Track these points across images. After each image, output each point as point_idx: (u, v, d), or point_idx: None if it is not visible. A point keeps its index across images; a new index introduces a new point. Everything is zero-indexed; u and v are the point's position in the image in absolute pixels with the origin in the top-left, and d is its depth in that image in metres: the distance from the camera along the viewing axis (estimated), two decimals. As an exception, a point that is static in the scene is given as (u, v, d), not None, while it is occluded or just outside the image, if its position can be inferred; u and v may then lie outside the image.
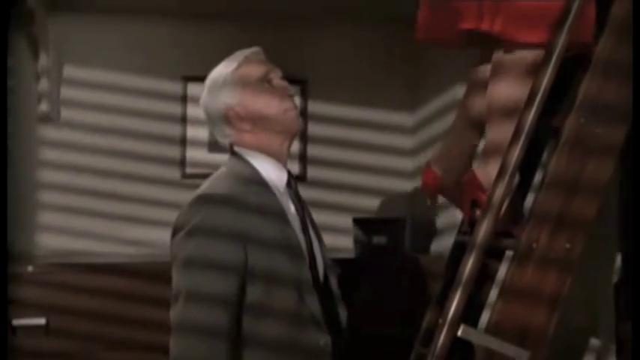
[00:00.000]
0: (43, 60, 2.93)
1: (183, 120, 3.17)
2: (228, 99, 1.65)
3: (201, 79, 3.05)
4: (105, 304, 2.57)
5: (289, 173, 1.70)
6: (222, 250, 1.50)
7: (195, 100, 3.12)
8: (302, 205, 1.71)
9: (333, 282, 1.73)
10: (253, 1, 3.00)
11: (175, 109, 3.18)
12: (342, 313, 1.71)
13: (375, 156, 3.31)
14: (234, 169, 1.65)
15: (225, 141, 1.71)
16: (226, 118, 1.66)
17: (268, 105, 1.64)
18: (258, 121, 1.64)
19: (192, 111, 3.16)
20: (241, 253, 1.50)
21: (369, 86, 3.31)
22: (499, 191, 1.48)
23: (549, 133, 1.73)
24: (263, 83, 1.66)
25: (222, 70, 1.69)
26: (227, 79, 1.66)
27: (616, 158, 1.57)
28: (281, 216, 1.60)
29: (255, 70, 1.67)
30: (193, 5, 3.06)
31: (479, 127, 1.85)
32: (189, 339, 1.47)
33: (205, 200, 1.55)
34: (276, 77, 1.68)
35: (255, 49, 1.72)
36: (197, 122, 3.17)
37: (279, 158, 1.67)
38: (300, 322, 1.54)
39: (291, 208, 1.66)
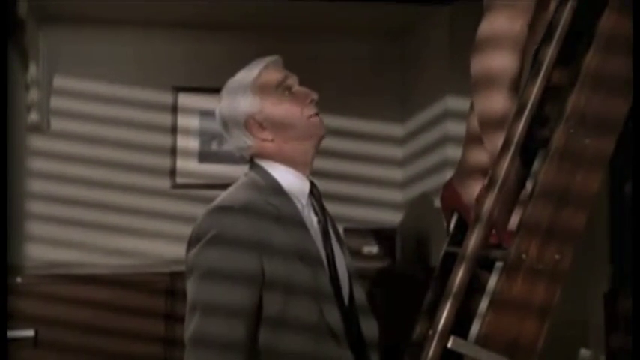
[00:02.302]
0: (33, 70, 2.92)
1: (174, 130, 3.17)
2: (249, 107, 1.60)
3: (191, 89, 3.15)
4: (94, 316, 2.55)
5: (312, 183, 1.65)
6: (240, 261, 1.46)
7: (186, 111, 3.17)
8: (325, 216, 1.67)
9: (360, 295, 1.67)
10: (244, 13, 3.00)
11: (166, 119, 3.17)
12: (370, 327, 1.65)
13: (365, 166, 3.32)
14: (254, 180, 1.60)
15: (244, 153, 1.66)
16: (246, 128, 1.61)
17: (290, 112, 1.60)
18: (280, 129, 1.60)
19: (183, 121, 3.17)
20: (259, 264, 1.46)
21: (360, 97, 3.32)
22: (488, 202, 1.48)
23: (539, 144, 1.74)
24: (283, 90, 1.61)
25: (242, 78, 1.64)
26: (247, 87, 1.61)
27: (605, 169, 1.58)
28: (300, 227, 1.56)
29: (274, 77, 1.62)
30: (183, 16, 3.06)
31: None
32: (207, 352, 1.43)
33: (223, 211, 1.51)
34: (295, 84, 1.64)
35: (274, 57, 1.67)
36: (188, 132, 3.17)
37: (302, 168, 1.63)
38: (319, 335, 1.50)
39: (312, 219, 1.62)
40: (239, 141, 1.64)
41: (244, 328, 1.45)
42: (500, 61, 1.65)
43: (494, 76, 1.66)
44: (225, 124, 1.66)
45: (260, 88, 1.62)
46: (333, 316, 1.52)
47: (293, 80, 1.65)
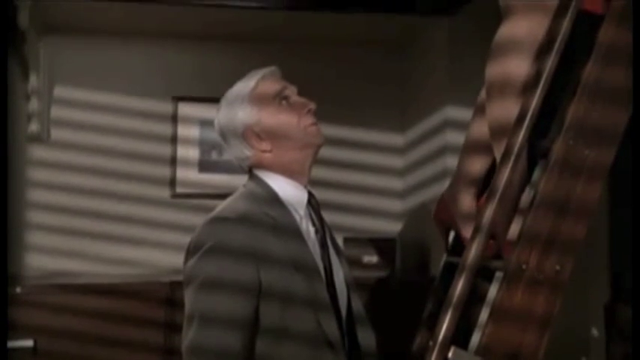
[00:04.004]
0: (34, 80, 2.92)
1: (174, 140, 3.17)
2: (247, 118, 1.61)
3: (191, 99, 3.15)
4: (94, 325, 2.54)
5: (310, 193, 1.66)
6: (237, 272, 1.47)
7: (186, 120, 3.17)
8: (322, 226, 1.67)
9: (357, 305, 1.68)
10: (243, 24, 3.01)
11: (166, 129, 3.17)
12: (367, 338, 1.66)
13: (365, 176, 3.32)
14: (252, 191, 1.61)
15: (243, 163, 1.67)
16: (244, 139, 1.62)
17: (288, 122, 1.61)
18: (277, 139, 1.61)
19: (183, 131, 3.17)
20: (256, 275, 1.47)
21: (360, 107, 3.32)
22: (489, 213, 1.48)
23: (539, 154, 1.74)
24: (281, 100, 1.62)
25: (240, 89, 1.65)
26: (245, 98, 1.62)
27: (605, 179, 1.58)
28: (298, 237, 1.57)
29: (272, 87, 1.63)
30: (183, 27, 3.07)
31: (481, 151, 1.83)
32: None
33: (221, 222, 1.52)
34: (293, 94, 1.65)
35: (271, 67, 1.68)
36: (188, 142, 3.17)
37: (300, 178, 1.63)
38: (316, 346, 1.50)
39: (310, 229, 1.63)
40: (238, 151, 1.65)
41: (241, 338, 1.45)
42: (518, 68, 1.60)
43: (511, 82, 1.61)
44: (224, 134, 1.66)
45: (257, 99, 1.62)
46: (330, 327, 1.53)
47: (291, 90, 1.66)
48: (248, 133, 1.62)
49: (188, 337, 1.46)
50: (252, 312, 1.47)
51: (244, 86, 1.65)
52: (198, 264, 1.49)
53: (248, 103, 1.62)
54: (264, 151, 1.62)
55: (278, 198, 1.60)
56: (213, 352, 1.43)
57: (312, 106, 1.64)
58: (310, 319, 1.50)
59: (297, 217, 1.61)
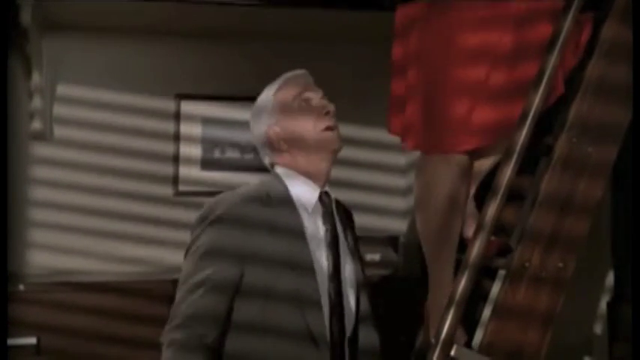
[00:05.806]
0: (36, 78, 2.92)
1: (177, 138, 3.17)
2: (268, 122, 1.67)
3: (194, 97, 3.15)
4: (97, 323, 2.55)
5: (325, 193, 1.69)
6: (218, 268, 1.51)
7: (189, 118, 3.17)
8: (334, 225, 1.69)
9: (365, 305, 1.69)
10: (247, 21, 3.01)
11: (168, 126, 3.17)
12: (369, 337, 1.67)
13: (369, 174, 3.31)
14: (263, 182, 1.66)
15: (266, 162, 1.73)
16: (267, 140, 1.68)
17: (303, 125, 1.65)
18: (294, 142, 1.65)
19: (186, 129, 3.17)
20: (237, 271, 1.51)
21: (364, 104, 3.31)
22: (491, 210, 1.48)
23: (541, 153, 1.74)
24: (300, 103, 1.66)
25: (265, 93, 1.72)
26: (267, 103, 1.69)
27: (608, 177, 1.58)
28: (294, 234, 1.59)
29: (290, 92, 1.68)
30: (186, 25, 3.07)
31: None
32: (174, 354, 1.52)
33: (212, 219, 1.57)
34: (316, 97, 1.69)
35: (298, 71, 1.74)
36: (190, 140, 3.17)
37: (316, 178, 1.67)
38: (298, 341, 1.52)
39: (319, 227, 1.65)
40: (263, 152, 1.72)
41: (215, 331, 1.50)
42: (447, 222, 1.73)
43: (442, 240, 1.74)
44: (254, 137, 1.73)
45: (278, 103, 1.67)
46: (316, 323, 1.54)
47: (312, 93, 1.69)
48: (270, 135, 1.67)
49: (186, 302, 1.51)
50: (228, 306, 1.51)
51: (268, 90, 1.71)
52: (189, 261, 1.58)
53: (270, 106, 1.68)
54: (282, 151, 1.67)
55: (285, 194, 1.63)
56: (184, 344, 1.49)
57: (330, 108, 1.68)
58: (294, 314, 1.53)
59: (305, 216, 1.63)
